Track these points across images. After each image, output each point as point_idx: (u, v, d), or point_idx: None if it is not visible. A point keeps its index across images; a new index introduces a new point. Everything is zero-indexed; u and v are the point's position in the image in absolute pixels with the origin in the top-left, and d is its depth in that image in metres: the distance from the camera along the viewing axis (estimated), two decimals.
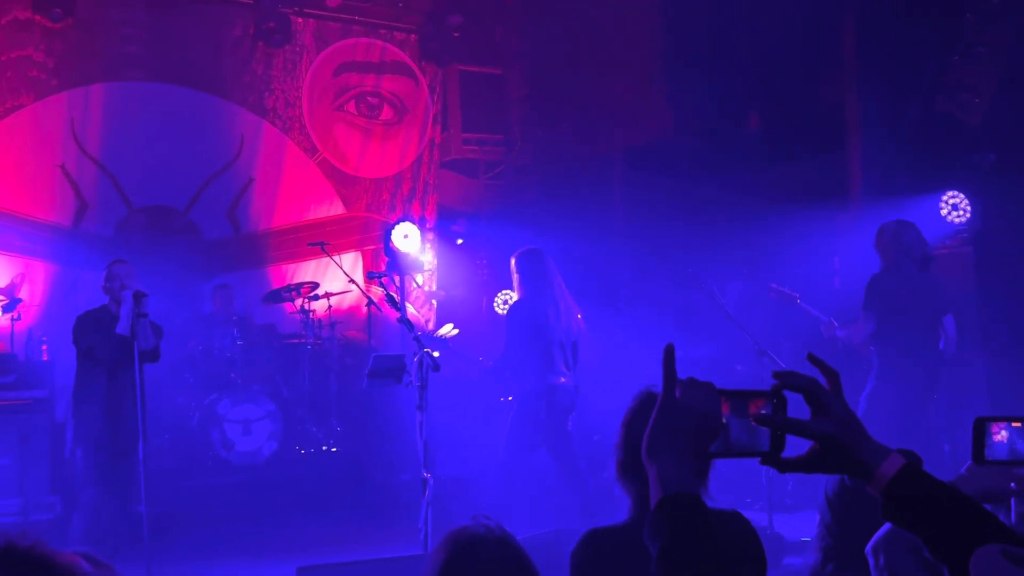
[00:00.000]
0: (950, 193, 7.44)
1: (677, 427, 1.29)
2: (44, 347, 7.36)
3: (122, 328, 5.13)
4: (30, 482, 6.57)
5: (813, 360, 1.37)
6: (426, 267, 10.30)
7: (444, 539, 1.77)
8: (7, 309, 7.50)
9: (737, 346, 7.03)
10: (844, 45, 8.27)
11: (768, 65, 8.53)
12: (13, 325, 7.44)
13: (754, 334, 6.12)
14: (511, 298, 10.10)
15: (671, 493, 1.26)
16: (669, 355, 1.33)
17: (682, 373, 1.35)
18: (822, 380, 1.34)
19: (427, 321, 10.34)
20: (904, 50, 7.74)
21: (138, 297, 5.13)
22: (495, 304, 10.06)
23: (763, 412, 1.32)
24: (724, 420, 1.31)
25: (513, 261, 6.41)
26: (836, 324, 6.42)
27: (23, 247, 8.52)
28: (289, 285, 8.63)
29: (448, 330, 9.02)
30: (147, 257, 8.64)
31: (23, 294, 7.72)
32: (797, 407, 1.35)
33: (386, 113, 10.54)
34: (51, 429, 6.81)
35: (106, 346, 5.18)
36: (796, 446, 1.34)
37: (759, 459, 1.34)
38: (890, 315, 5.98)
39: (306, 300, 8.41)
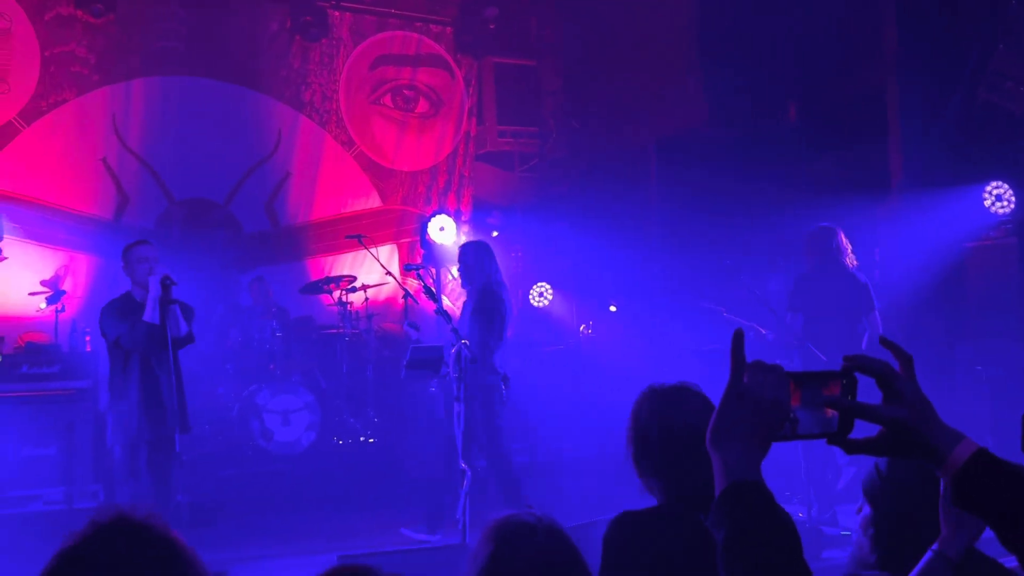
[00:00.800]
0: (994, 183, 7.31)
1: (743, 415, 1.27)
2: (87, 338, 7.47)
3: (150, 316, 4.95)
4: (75, 471, 6.69)
5: (886, 344, 1.35)
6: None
7: (490, 530, 1.75)
8: (51, 301, 7.63)
9: (775, 339, 6.98)
10: (884, 32, 8.14)
11: (806, 53, 8.43)
12: (57, 316, 7.57)
13: (793, 327, 6.07)
14: (546, 290, 10.14)
15: (738, 481, 1.24)
16: (738, 340, 1.30)
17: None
18: (894, 364, 1.32)
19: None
20: (946, 37, 7.61)
21: (166, 284, 4.96)
22: (530, 296, 10.07)
23: (833, 395, 1.31)
24: (792, 405, 1.30)
25: (462, 250, 6.30)
26: (764, 330, 6.49)
27: (66, 240, 8.67)
28: (327, 277, 8.69)
29: None
30: (187, 250, 8.78)
31: (66, 286, 7.86)
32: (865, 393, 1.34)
33: (422, 106, 10.58)
34: (94, 419, 6.91)
35: (134, 335, 4.98)
36: (864, 429, 1.33)
37: (826, 439, 1.32)
38: (815, 314, 6.15)
39: (343, 292, 8.47)
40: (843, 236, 6.35)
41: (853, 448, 1.32)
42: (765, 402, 1.28)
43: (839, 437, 1.32)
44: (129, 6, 8.98)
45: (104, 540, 1.12)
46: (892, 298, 7.30)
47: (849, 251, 6.32)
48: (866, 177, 8.36)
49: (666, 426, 2.31)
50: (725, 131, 9.24)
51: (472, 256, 6.13)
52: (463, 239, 10.39)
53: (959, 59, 7.58)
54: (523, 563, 1.68)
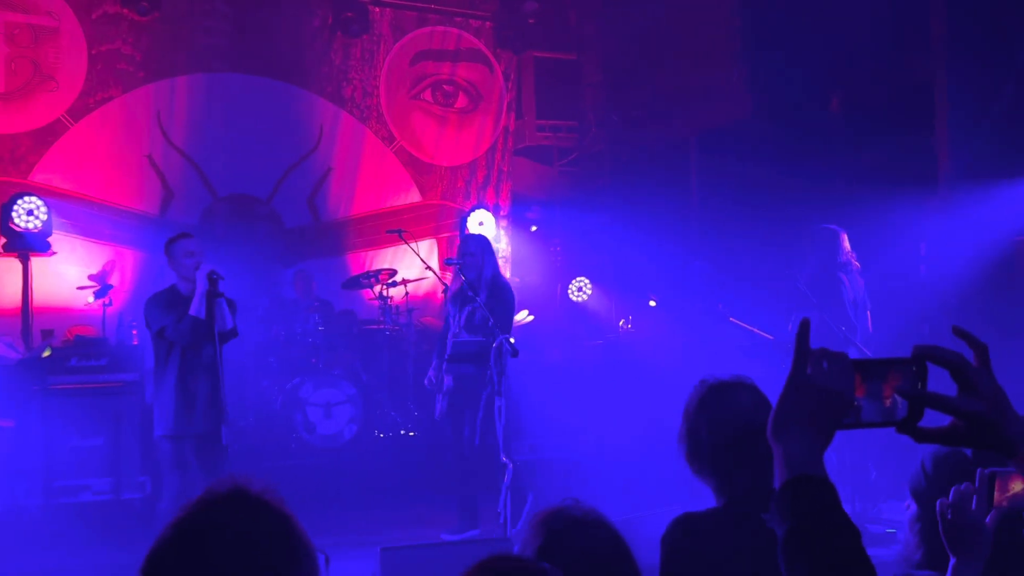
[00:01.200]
0: None
1: (806, 404, 1.25)
2: (134, 332, 7.59)
3: (197, 310, 4.99)
4: (122, 462, 6.80)
5: (960, 333, 1.32)
6: (501, 254, 10.34)
7: (537, 523, 1.73)
8: (99, 295, 7.75)
9: (819, 335, 6.90)
10: (933, 20, 7.99)
11: (851, 43, 8.29)
12: (104, 310, 7.70)
13: (839, 323, 6.00)
14: (585, 285, 10.11)
15: (800, 474, 1.22)
16: (804, 329, 1.28)
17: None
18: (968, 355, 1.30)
19: None
20: (997, 26, 7.45)
21: (212, 279, 4.98)
22: (569, 291, 10.05)
23: (901, 384, 1.29)
24: (857, 395, 1.27)
25: (470, 241, 6.29)
26: (769, 335, 6.56)
27: (113, 235, 8.82)
28: (368, 271, 8.74)
29: (523, 317, 9.05)
30: (230, 245, 8.87)
31: (113, 280, 7.97)
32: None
33: (461, 101, 10.60)
34: (141, 411, 7.02)
35: (180, 329, 5.02)
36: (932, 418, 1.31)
37: (895, 428, 1.30)
38: (802, 312, 6.22)
39: (384, 287, 8.52)
40: (846, 238, 6.37)
41: (922, 437, 1.29)
42: (828, 391, 1.25)
43: (907, 425, 1.29)
44: (174, 4, 9.11)
45: (221, 512, 1.13)
46: (939, 294, 7.19)
47: (851, 253, 6.36)
48: (913, 169, 8.22)
49: (718, 423, 2.27)
50: (768, 124, 9.14)
51: (479, 247, 6.13)
52: (502, 234, 10.41)
53: (1010, 48, 7.42)
54: (572, 556, 1.66)
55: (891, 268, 7.41)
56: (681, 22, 10.30)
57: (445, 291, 6.14)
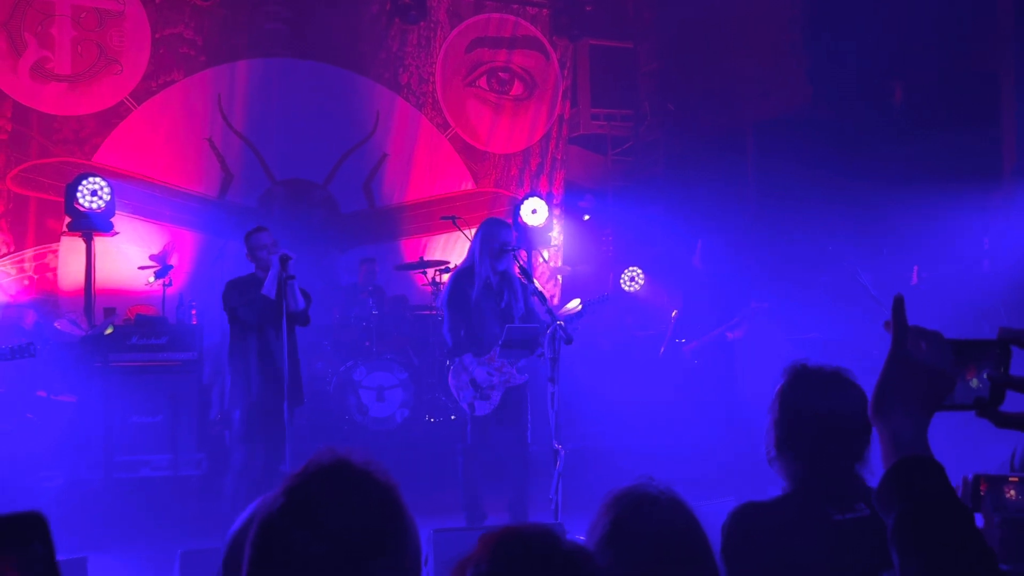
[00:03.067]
0: None
1: (911, 383, 1.23)
2: (193, 311, 7.73)
3: (267, 290, 5.22)
4: (179, 439, 6.94)
5: (1007, 333, 1.29)
6: (553, 242, 10.33)
7: (611, 499, 1.72)
8: (159, 275, 7.90)
9: (875, 328, 6.79)
10: (999, 8, 7.80)
11: (914, 32, 8.12)
12: (164, 290, 7.85)
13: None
14: (637, 274, 10.06)
15: (909, 455, 1.20)
16: (899, 306, 1.26)
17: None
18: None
19: (551, 296, 10.36)
20: None
21: (284, 260, 5.21)
22: (622, 280, 10.00)
23: (986, 367, 1.28)
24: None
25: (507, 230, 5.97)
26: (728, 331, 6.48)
27: (173, 216, 8.98)
28: (422, 260, 8.80)
29: (575, 305, 9.02)
30: (287, 228, 8.97)
31: (173, 261, 8.12)
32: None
33: (517, 88, 10.60)
34: (199, 390, 7.16)
35: (251, 308, 5.27)
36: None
37: (976, 411, 1.28)
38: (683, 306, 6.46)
39: (437, 272, 8.57)
40: None
41: (1004, 421, 1.27)
42: (931, 369, 1.23)
43: (990, 409, 1.27)
44: None
45: (327, 481, 1.15)
46: (1003, 289, 7.02)
47: None
48: (976, 162, 8.05)
49: (816, 412, 2.23)
50: (828, 113, 9.00)
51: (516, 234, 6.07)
52: (555, 222, 10.39)
53: None
54: (645, 531, 1.65)
55: (953, 262, 7.26)
56: (740, 10, 10.16)
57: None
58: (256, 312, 5.26)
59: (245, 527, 1.45)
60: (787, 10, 9.37)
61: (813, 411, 2.19)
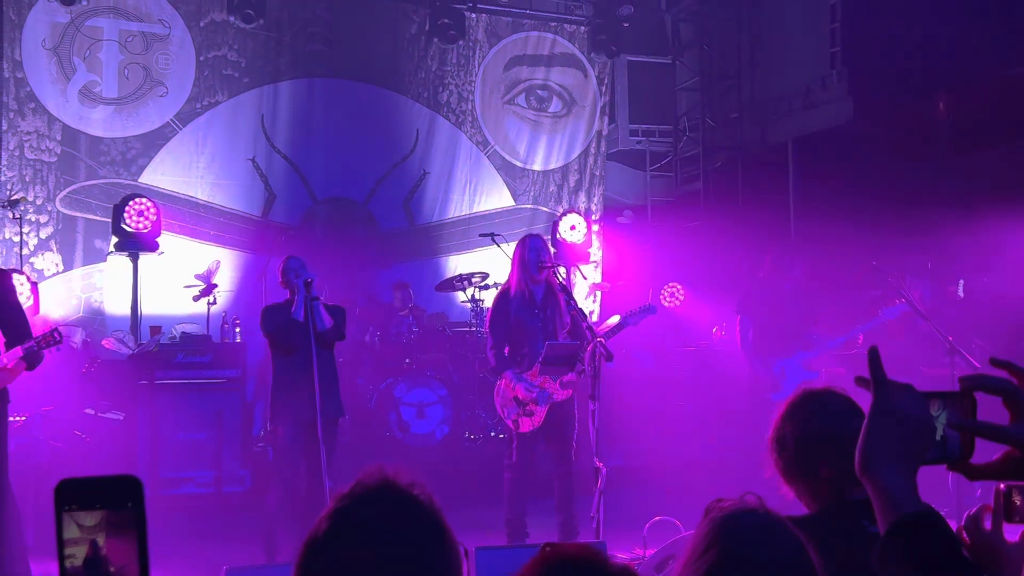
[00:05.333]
0: None
1: (896, 435, 1.20)
2: (237, 329, 7.83)
3: (295, 313, 5.41)
4: (223, 456, 7.01)
5: (997, 363, 1.26)
6: (592, 259, 10.33)
7: (716, 523, 1.54)
8: (203, 294, 8.01)
9: (923, 346, 6.69)
10: None
11: (959, 42, 8.02)
12: (209, 309, 7.96)
13: (945, 332, 5.80)
14: (677, 290, 10.01)
15: (908, 512, 1.17)
16: (875, 358, 1.23)
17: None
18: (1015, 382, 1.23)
19: (590, 313, 10.34)
20: None
21: (307, 284, 5.44)
22: (662, 296, 9.95)
23: (951, 417, 1.23)
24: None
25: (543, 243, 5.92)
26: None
27: (217, 236, 9.12)
28: (461, 275, 8.83)
29: (615, 322, 8.99)
30: (328, 247, 9.09)
31: (217, 280, 8.23)
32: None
33: (555, 105, 10.66)
34: (242, 407, 7.24)
35: (285, 331, 5.46)
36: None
37: (946, 465, 1.25)
38: (762, 316, 6.27)
39: (477, 289, 8.60)
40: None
41: (977, 474, 1.24)
42: (914, 421, 1.20)
43: (960, 463, 1.24)
44: (278, 11, 9.41)
45: (371, 505, 1.16)
46: None
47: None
48: (1022, 176, 7.91)
49: (806, 428, 2.22)
50: (870, 127, 8.91)
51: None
52: (594, 238, 10.39)
53: None
54: (759, 560, 1.50)
55: (1000, 281, 7.13)
56: (778, 23, 10.13)
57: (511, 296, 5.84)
58: (289, 335, 5.45)
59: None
60: (826, 20, 9.30)
61: (829, 431, 2.17)
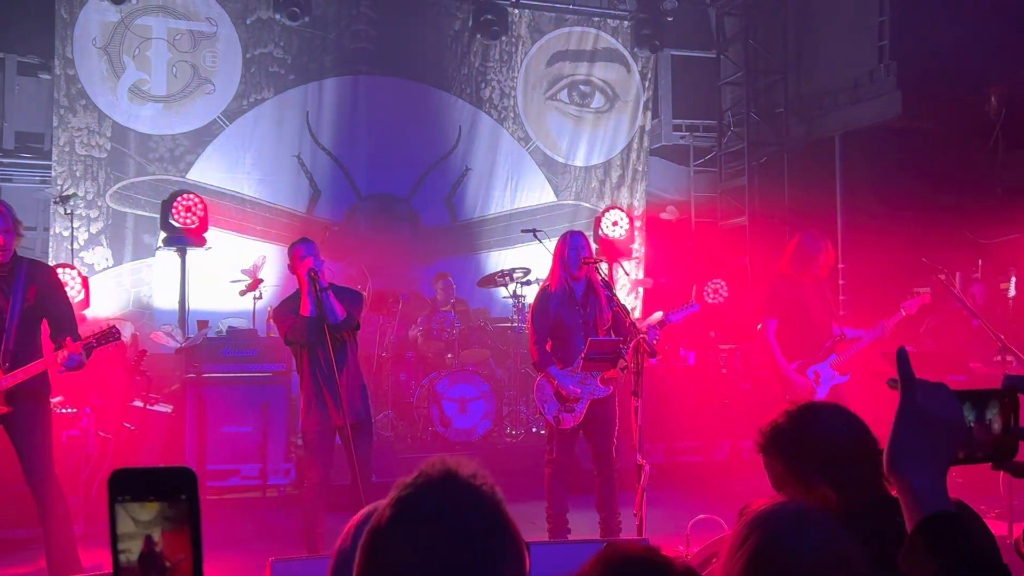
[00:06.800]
0: None
1: (925, 436, 1.20)
2: None
3: (305, 310, 5.07)
4: (269, 449, 7.09)
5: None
6: (634, 255, 10.28)
7: (755, 521, 1.55)
8: (249, 289, 8.10)
9: (975, 344, 6.57)
10: None
11: (1010, 35, 7.85)
12: (254, 303, 8.05)
13: (996, 330, 5.69)
14: (721, 287, 9.93)
15: (935, 512, 1.17)
16: (903, 358, 1.23)
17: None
18: None
19: (632, 309, 10.30)
20: None
21: (312, 276, 5.05)
22: (705, 292, 9.87)
23: (993, 417, 1.23)
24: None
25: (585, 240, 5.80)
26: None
27: (263, 232, 9.24)
28: (503, 271, 8.84)
29: (658, 318, 8.94)
30: (373, 243, 9.15)
31: (263, 275, 8.32)
32: None
33: (597, 101, 10.63)
34: (287, 401, 7.31)
35: (296, 330, 5.13)
36: None
37: (991, 464, 1.24)
38: (788, 318, 6.02)
39: (519, 285, 8.60)
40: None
41: (1022, 472, 1.23)
42: (944, 421, 1.20)
43: (1005, 461, 1.23)
44: (323, 8, 9.50)
45: (433, 495, 1.17)
46: None
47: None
48: None
49: (849, 438, 2.21)
50: (918, 122, 8.76)
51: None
52: (636, 234, 10.33)
53: None
54: (800, 558, 1.49)
55: None
56: (826, 16, 9.99)
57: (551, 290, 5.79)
58: (301, 334, 5.13)
59: (354, 537, 1.48)
60: (875, 13, 9.16)
61: (845, 435, 2.16)
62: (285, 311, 5.25)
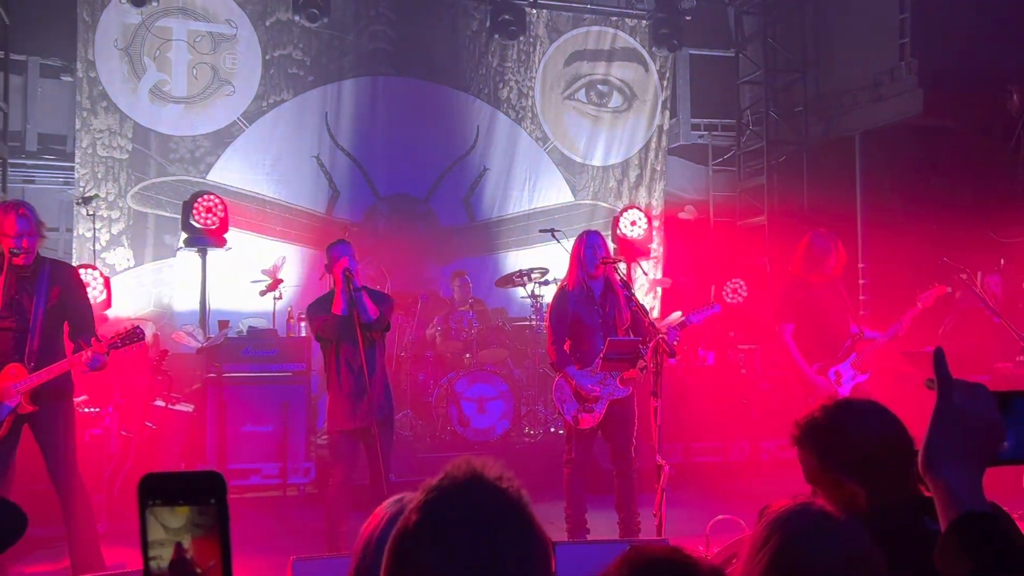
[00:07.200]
0: None
1: (961, 436, 1.20)
2: (303, 324, 7.94)
3: (338, 308, 5.16)
4: (289, 448, 7.13)
5: None
6: (652, 254, 10.25)
7: (776, 522, 1.55)
8: (269, 289, 8.14)
9: (996, 342, 6.52)
10: None
11: None
12: (274, 304, 8.09)
13: (1019, 330, 5.64)
14: (740, 286, 9.90)
15: (970, 511, 1.17)
16: (940, 358, 1.23)
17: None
18: None
19: (651, 309, 10.28)
20: None
21: (346, 276, 5.13)
22: (724, 292, 9.85)
23: None
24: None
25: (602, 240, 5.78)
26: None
27: (283, 232, 9.29)
28: (521, 270, 8.84)
29: (677, 318, 8.93)
30: (391, 243, 9.18)
31: (282, 275, 8.36)
32: None
33: (615, 100, 10.61)
34: (307, 400, 7.35)
35: (328, 328, 5.22)
36: None
37: None
38: (805, 320, 6.01)
39: (537, 284, 8.61)
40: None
41: None
42: (981, 422, 1.20)
43: None
44: (341, 10, 9.53)
45: (459, 499, 1.17)
46: None
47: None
48: None
49: (881, 434, 2.21)
50: (940, 120, 8.69)
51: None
52: (655, 234, 10.31)
53: None
54: (819, 558, 1.51)
55: None
56: (844, 15, 9.93)
57: (570, 290, 5.79)
58: (332, 331, 5.22)
59: (379, 538, 1.49)
60: (895, 11, 9.10)
61: (879, 435, 2.16)
62: (318, 308, 5.34)
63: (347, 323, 5.13)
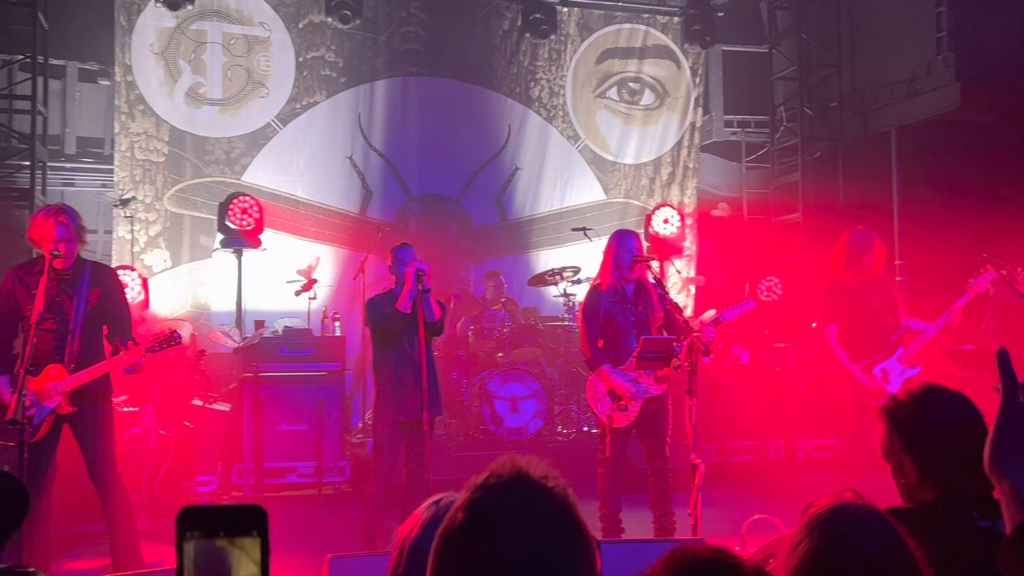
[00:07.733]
0: None
1: None
2: (337, 323, 8.01)
3: (401, 305, 5.33)
4: (324, 447, 7.19)
5: None
6: (685, 252, 10.20)
7: (813, 522, 1.53)
8: (304, 289, 8.21)
9: None
10: None
11: None
12: (309, 303, 8.16)
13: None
14: (775, 285, 9.81)
15: None
16: (1005, 359, 1.23)
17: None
18: None
19: (683, 307, 10.22)
20: None
21: (418, 275, 5.32)
22: (758, 290, 9.77)
23: None
24: None
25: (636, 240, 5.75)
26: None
27: (317, 233, 9.37)
28: (553, 269, 8.84)
29: (711, 316, 8.87)
30: (423, 242, 9.16)
31: (317, 275, 8.42)
32: None
33: (647, 98, 10.58)
34: (342, 399, 7.41)
35: (388, 323, 5.39)
36: None
37: None
38: (849, 319, 5.94)
39: (569, 283, 8.60)
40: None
41: None
42: None
43: None
44: (373, 11, 9.58)
45: (505, 498, 1.18)
46: None
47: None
48: None
49: (952, 424, 2.20)
50: (977, 114, 8.57)
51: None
52: (688, 232, 10.26)
53: None
54: (854, 562, 1.49)
55: None
56: (879, 9, 9.82)
57: (602, 289, 5.79)
58: (393, 326, 5.38)
59: (414, 543, 1.50)
60: (932, 5, 8.98)
61: (948, 425, 2.16)
62: (380, 302, 5.53)
63: (409, 320, 5.32)
